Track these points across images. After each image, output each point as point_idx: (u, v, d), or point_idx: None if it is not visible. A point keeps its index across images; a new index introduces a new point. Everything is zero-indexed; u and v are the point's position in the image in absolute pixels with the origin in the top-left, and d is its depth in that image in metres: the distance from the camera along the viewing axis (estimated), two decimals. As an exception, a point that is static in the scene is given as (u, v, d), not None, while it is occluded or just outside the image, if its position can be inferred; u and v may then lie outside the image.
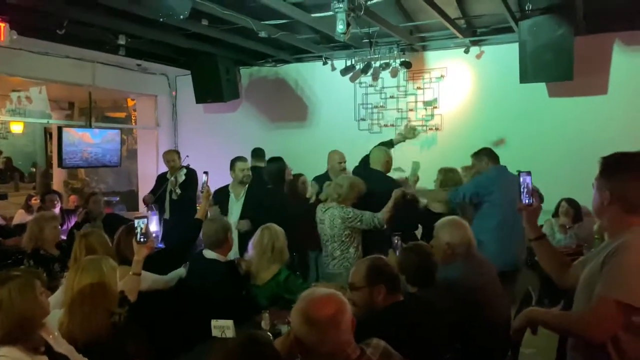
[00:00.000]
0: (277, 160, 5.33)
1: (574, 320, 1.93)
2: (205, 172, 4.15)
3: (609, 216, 1.96)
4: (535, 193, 2.17)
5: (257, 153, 6.17)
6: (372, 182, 4.47)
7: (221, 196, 5.14)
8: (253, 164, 5.83)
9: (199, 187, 4.21)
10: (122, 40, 5.86)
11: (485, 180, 4.40)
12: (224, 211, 5.05)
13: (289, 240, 3.63)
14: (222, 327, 2.79)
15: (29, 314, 2.01)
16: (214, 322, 2.79)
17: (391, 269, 2.48)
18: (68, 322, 2.40)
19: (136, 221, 2.90)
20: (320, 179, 5.25)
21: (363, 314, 2.26)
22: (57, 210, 6.00)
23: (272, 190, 5.18)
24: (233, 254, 4.00)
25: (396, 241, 3.63)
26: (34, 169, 10.97)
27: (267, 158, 5.82)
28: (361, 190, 4.32)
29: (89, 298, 2.41)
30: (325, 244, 4.34)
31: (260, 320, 2.93)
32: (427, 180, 5.16)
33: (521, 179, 2.18)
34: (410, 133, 5.67)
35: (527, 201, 2.16)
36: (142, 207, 7.64)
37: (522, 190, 2.17)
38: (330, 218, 4.24)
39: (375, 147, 5.10)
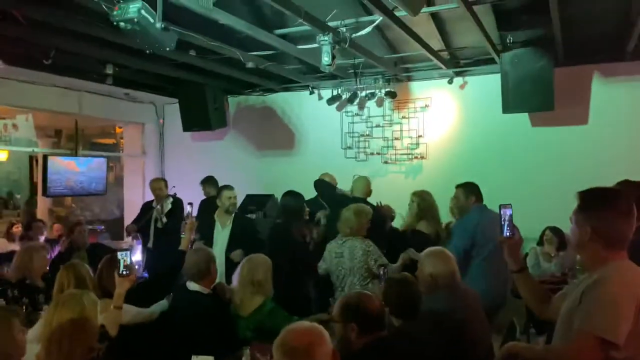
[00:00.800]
0: (297, 197, 4.81)
1: (553, 355, 1.93)
2: (190, 203, 4.13)
3: (589, 251, 1.98)
4: (515, 226, 2.19)
5: (210, 180, 6.27)
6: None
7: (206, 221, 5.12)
8: (207, 191, 5.99)
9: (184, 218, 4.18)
10: (109, 70, 5.89)
11: (471, 225, 4.30)
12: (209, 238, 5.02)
13: (290, 278, 3.53)
14: (203, 363, 2.74)
15: (4, 354, 1.96)
16: (194, 358, 2.74)
17: (368, 307, 2.41)
18: (45, 358, 2.35)
19: (119, 254, 2.88)
20: (310, 204, 5.22)
21: (341, 349, 2.23)
22: (42, 239, 5.93)
23: (281, 225, 4.70)
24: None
25: (381, 272, 3.63)
26: (18, 196, 10.84)
27: (222, 186, 5.48)
28: (368, 214, 4.31)
29: (68, 334, 2.35)
30: (342, 279, 4.20)
31: (241, 356, 2.88)
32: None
33: (502, 212, 2.20)
34: None
35: (508, 234, 2.18)
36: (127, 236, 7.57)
37: (502, 223, 2.19)
38: (350, 249, 4.16)
39: (359, 176, 5.32)
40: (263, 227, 5.87)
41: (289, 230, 4.52)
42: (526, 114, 5.88)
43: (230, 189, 5.25)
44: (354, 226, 4.22)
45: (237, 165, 7.58)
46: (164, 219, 5.92)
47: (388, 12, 3.99)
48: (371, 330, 2.36)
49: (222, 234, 5.10)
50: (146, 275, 5.41)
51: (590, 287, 1.87)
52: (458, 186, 4.58)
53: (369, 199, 5.04)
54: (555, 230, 5.45)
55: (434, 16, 4.82)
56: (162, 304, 3.42)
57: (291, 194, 4.80)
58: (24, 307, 3.75)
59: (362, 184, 5.15)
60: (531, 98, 5.44)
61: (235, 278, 3.52)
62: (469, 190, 4.47)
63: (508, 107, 5.59)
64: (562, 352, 1.88)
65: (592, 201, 1.98)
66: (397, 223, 5.19)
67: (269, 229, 4.92)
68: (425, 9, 4.21)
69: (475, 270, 4.08)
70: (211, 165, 7.72)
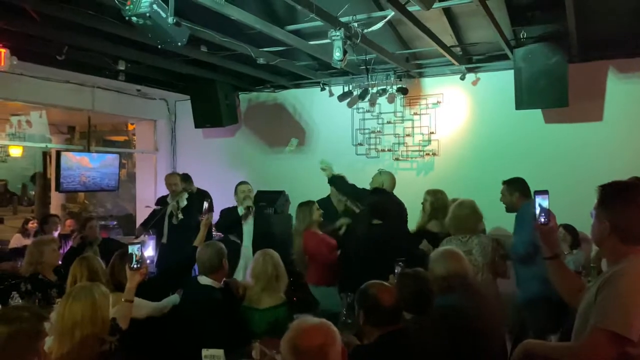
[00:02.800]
0: (387, 194, 4.74)
1: (568, 352, 1.91)
2: (207, 200, 4.16)
3: (608, 246, 1.95)
4: (550, 213, 2.17)
5: (186, 178, 6.31)
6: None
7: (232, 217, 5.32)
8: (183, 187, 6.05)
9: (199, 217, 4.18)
10: (121, 66, 5.93)
11: (528, 223, 4.20)
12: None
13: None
14: (213, 356, 2.75)
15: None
16: (204, 352, 2.75)
17: (380, 299, 2.42)
18: (57, 350, 2.37)
19: (130, 247, 2.89)
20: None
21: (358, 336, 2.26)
22: (56, 234, 5.99)
23: (383, 226, 4.42)
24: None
25: (398, 268, 3.61)
26: (32, 192, 10.98)
27: (258, 184, 5.78)
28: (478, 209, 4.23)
29: (80, 326, 2.38)
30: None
31: (251, 350, 2.89)
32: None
33: (537, 199, 2.19)
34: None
35: (542, 220, 2.16)
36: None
37: (538, 209, 2.17)
38: (481, 245, 3.94)
39: (384, 170, 5.30)
40: (274, 223, 5.93)
41: (396, 232, 4.43)
42: (539, 110, 5.81)
43: (244, 183, 5.43)
44: (474, 222, 4.09)
45: (248, 161, 7.61)
46: (180, 215, 5.90)
47: (400, 7, 3.96)
48: (381, 323, 2.36)
49: (245, 228, 5.30)
50: (154, 270, 5.43)
51: (605, 283, 1.85)
52: (503, 182, 4.54)
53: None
54: (569, 228, 5.39)
55: (447, 11, 4.78)
56: (174, 298, 3.45)
57: (382, 192, 4.82)
58: (37, 301, 3.79)
59: (389, 178, 5.08)
60: (545, 94, 5.37)
61: (249, 272, 3.53)
62: (513, 187, 4.42)
63: (521, 103, 5.52)
64: (577, 349, 1.86)
65: (612, 195, 1.95)
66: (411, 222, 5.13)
67: (369, 229, 4.48)
68: (437, 4, 4.18)
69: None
70: (222, 161, 7.77)
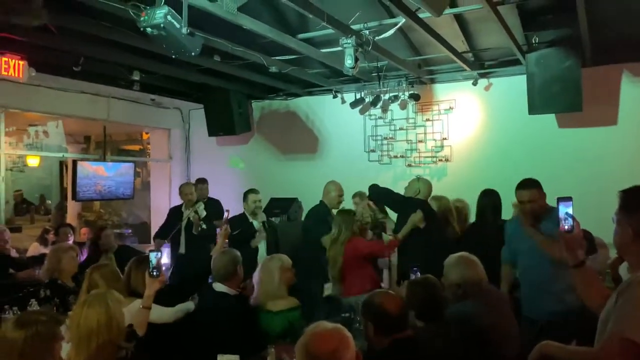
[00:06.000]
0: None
1: (586, 357, 1.89)
2: (227, 210, 4.19)
3: (632, 252, 1.90)
4: (574, 220, 2.13)
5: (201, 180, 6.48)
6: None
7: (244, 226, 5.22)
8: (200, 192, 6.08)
9: (218, 228, 4.25)
10: (136, 76, 6.02)
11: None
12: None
13: None
14: (229, 362, 2.77)
15: None
16: (220, 357, 2.77)
17: (386, 308, 2.39)
18: (75, 357, 2.40)
19: (150, 254, 2.92)
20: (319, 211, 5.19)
21: (367, 347, 2.25)
22: (70, 242, 6.04)
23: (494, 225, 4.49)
24: None
25: (412, 275, 3.57)
26: (49, 201, 11.11)
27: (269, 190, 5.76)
28: None
29: (96, 333, 2.40)
30: None
31: (266, 356, 2.90)
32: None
33: (560, 205, 2.15)
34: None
35: (567, 227, 2.13)
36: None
37: (561, 216, 2.14)
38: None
39: (420, 178, 5.12)
40: (287, 230, 5.91)
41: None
42: (553, 115, 5.78)
43: (255, 192, 5.34)
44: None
45: (261, 169, 7.66)
46: (203, 225, 5.77)
47: (411, 14, 3.98)
48: (390, 331, 2.34)
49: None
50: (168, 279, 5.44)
51: (624, 289, 1.82)
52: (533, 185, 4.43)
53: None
54: (585, 234, 5.31)
55: (458, 17, 4.78)
56: (188, 305, 3.47)
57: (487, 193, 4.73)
58: (55, 307, 3.84)
59: (426, 185, 4.88)
60: (558, 99, 5.34)
61: (256, 275, 3.55)
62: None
63: (534, 108, 5.50)
64: (594, 355, 1.83)
65: (635, 200, 1.89)
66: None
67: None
68: (448, 10, 4.19)
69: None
70: (236, 169, 7.82)
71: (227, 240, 5.47)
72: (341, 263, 4.46)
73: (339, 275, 4.49)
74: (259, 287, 3.50)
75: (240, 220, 5.26)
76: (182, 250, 6.00)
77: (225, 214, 4.18)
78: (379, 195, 5.00)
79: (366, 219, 5.00)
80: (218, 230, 4.21)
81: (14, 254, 5.65)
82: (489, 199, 4.68)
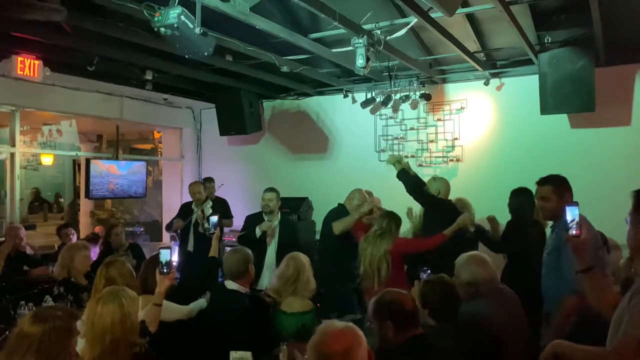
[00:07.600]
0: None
1: (597, 357, 1.88)
2: (218, 215, 4.43)
3: None
4: (583, 224, 2.13)
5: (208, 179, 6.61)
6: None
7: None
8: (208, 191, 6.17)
9: (211, 229, 4.39)
10: (149, 76, 6.07)
11: None
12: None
13: None
14: (241, 359, 2.79)
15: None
16: (232, 354, 2.80)
17: (402, 305, 2.40)
18: (89, 353, 2.43)
19: (161, 252, 2.95)
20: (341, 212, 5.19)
21: (380, 348, 2.24)
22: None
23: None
24: None
25: (423, 275, 3.58)
26: (62, 199, 11.24)
27: (282, 189, 5.65)
28: None
29: (110, 329, 2.42)
30: None
31: (278, 353, 2.92)
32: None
33: (568, 210, 2.15)
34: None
35: (574, 232, 2.13)
36: (165, 238, 7.75)
37: (569, 221, 2.14)
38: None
39: (439, 177, 5.23)
40: (298, 229, 5.89)
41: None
42: (565, 115, 5.74)
43: (266, 191, 5.28)
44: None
45: (271, 168, 7.69)
46: (207, 224, 5.88)
47: (423, 14, 3.98)
48: (407, 328, 2.35)
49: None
50: (178, 276, 5.49)
51: (638, 289, 1.81)
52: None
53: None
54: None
55: (470, 17, 4.77)
56: (201, 302, 3.50)
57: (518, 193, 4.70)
58: (69, 304, 3.89)
59: (445, 184, 4.97)
60: (571, 99, 5.30)
61: (275, 275, 3.56)
62: (568, 189, 4.18)
63: (547, 108, 5.47)
64: (607, 355, 1.82)
65: None
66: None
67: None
68: (460, 10, 4.18)
69: None
70: (247, 168, 7.87)
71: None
72: (387, 261, 4.28)
73: (373, 273, 4.31)
74: (281, 279, 3.49)
75: (255, 219, 5.24)
76: (190, 247, 6.10)
77: (215, 219, 4.41)
78: (414, 186, 4.82)
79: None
80: (211, 233, 4.40)
81: (28, 251, 5.73)
82: (524, 197, 4.58)
